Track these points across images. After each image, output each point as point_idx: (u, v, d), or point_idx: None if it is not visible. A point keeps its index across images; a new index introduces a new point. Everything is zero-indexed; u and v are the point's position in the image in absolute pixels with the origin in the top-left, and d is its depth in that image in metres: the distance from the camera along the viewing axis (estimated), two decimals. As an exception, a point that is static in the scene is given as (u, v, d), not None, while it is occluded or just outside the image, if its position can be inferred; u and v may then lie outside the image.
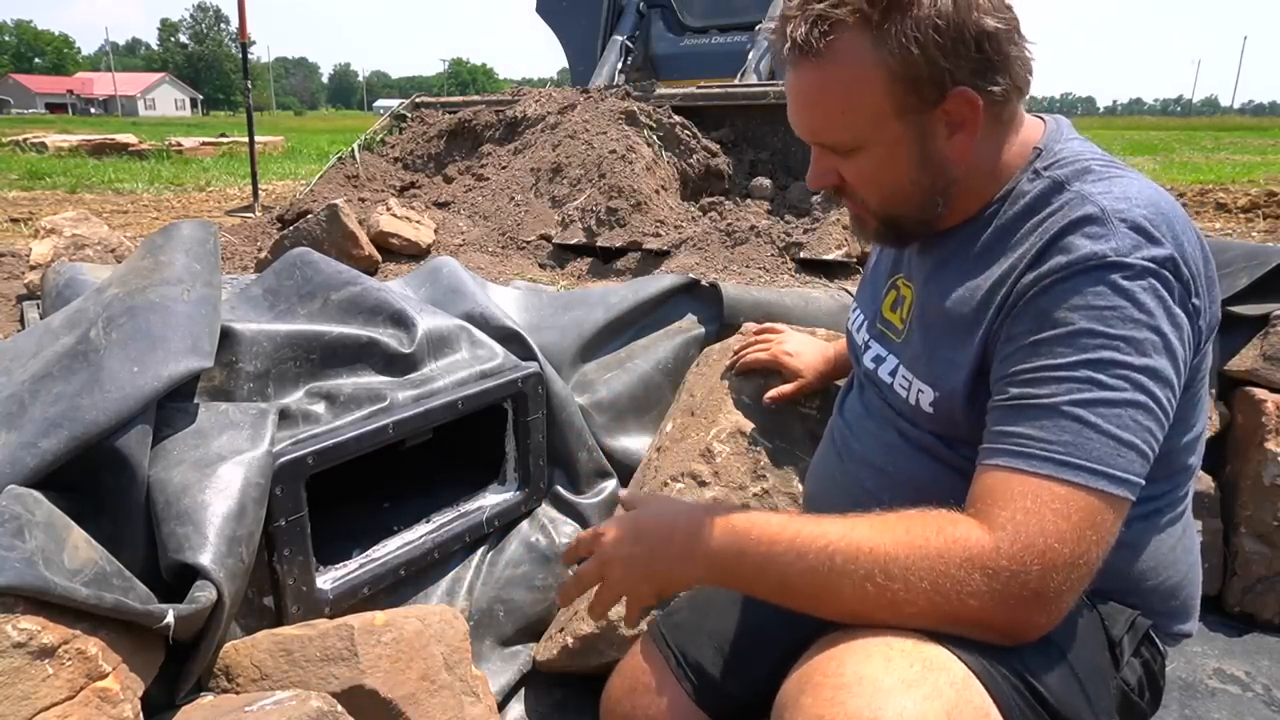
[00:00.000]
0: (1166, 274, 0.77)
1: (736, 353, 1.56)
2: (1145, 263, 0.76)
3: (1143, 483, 0.75)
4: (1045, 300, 0.78)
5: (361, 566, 1.37)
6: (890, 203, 0.92)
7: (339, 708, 0.97)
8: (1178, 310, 0.77)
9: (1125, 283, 0.75)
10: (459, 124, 4.82)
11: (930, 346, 0.92)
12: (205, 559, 0.99)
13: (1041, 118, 0.94)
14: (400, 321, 1.47)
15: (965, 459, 0.88)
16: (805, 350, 1.47)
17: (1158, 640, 0.92)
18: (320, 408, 1.30)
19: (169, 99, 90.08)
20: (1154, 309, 0.76)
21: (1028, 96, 0.89)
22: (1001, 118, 0.87)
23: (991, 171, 0.90)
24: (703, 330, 1.87)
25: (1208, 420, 0.93)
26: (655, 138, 4.09)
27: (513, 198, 4.06)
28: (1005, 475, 0.76)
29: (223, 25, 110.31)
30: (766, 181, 4.08)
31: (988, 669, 0.74)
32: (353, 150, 4.93)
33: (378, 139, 5.11)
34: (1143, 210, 0.79)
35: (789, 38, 0.85)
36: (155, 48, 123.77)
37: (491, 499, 1.59)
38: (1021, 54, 0.85)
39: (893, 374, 0.98)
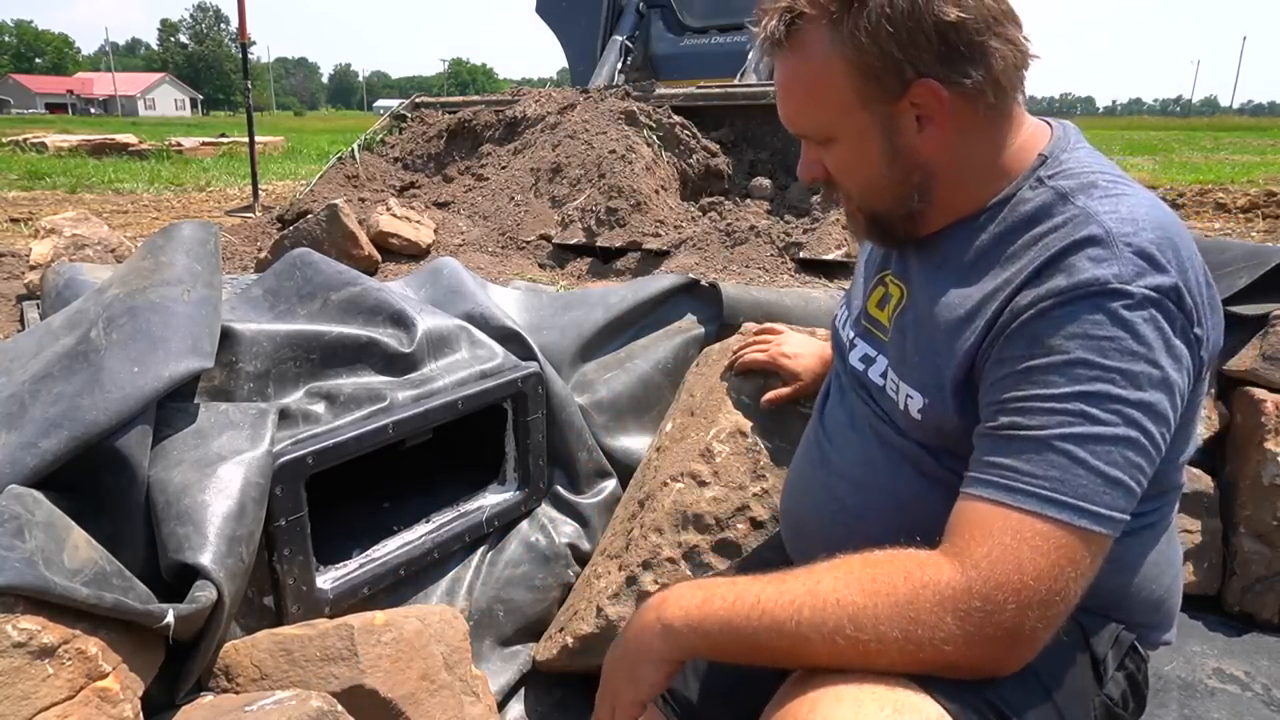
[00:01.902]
0: (1169, 304, 0.74)
1: (735, 353, 1.56)
2: (1148, 291, 0.73)
3: (1127, 519, 0.74)
4: (1042, 325, 0.76)
5: (361, 566, 1.37)
6: (867, 196, 0.91)
7: (339, 707, 0.97)
8: (1178, 342, 0.75)
9: (1126, 313, 0.73)
10: (459, 124, 4.83)
11: (920, 351, 0.89)
12: (205, 559, 1.00)
13: (1049, 123, 0.91)
14: (400, 321, 1.47)
15: (950, 471, 0.86)
16: (804, 351, 1.46)
17: (1140, 649, 0.91)
18: (320, 408, 1.30)
19: (169, 99, 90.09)
20: (1153, 341, 0.73)
21: (1020, 94, 0.86)
22: (979, 112, 0.83)
23: (986, 171, 0.87)
24: (702, 330, 1.87)
25: (1198, 441, 0.91)
26: (655, 138, 4.10)
27: (513, 198, 4.07)
28: (986, 509, 0.74)
29: (223, 25, 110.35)
30: (766, 181, 4.08)
31: (963, 708, 0.73)
32: (353, 150, 4.94)
33: (378, 139, 5.11)
34: (1149, 234, 0.76)
35: (763, 30, 0.86)
36: (155, 48, 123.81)
37: (491, 499, 1.59)
38: (1005, 47, 0.81)
39: (884, 376, 0.95)
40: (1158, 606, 0.92)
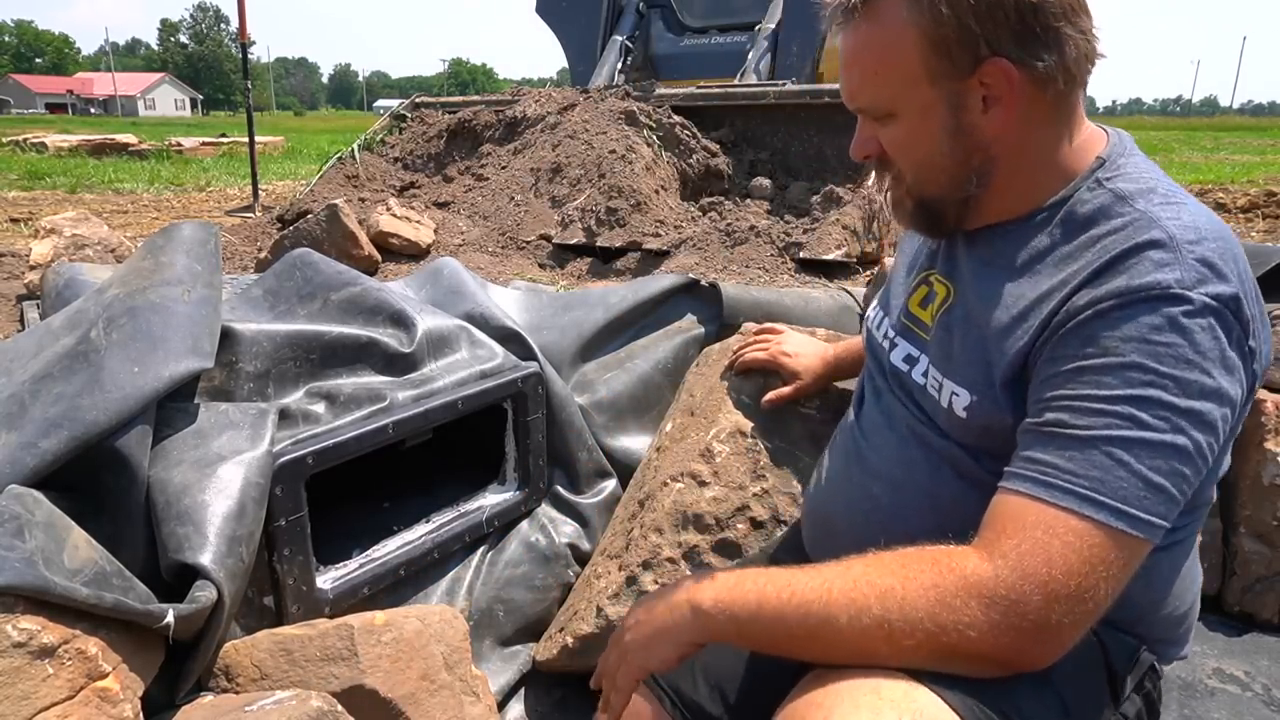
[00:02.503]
0: (1228, 314, 0.73)
1: (735, 353, 1.56)
2: (1208, 300, 0.72)
3: (1167, 526, 0.73)
4: (1099, 325, 0.75)
5: (361, 566, 1.37)
6: (923, 177, 0.89)
7: (339, 707, 0.97)
8: (1233, 354, 0.74)
9: (1185, 319, 0.72)
10: (459, 124, 4.83)
11: (967, 349, 0.87)
12: (205, 559, 1.00)
13: (1105, 130, 0.90)
14: (400, 321, 1.47)
15: (989, 473, 0.85)
16: (804, 351, 1.46)
17: (1157, 668, 0.91)
18: (320, 408, 1.30)
19: (169, 99, 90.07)
20: (1209, 351, 0.72)
21: (1085, 89, 0.85)
22: (1048, 99, 0.82)
23: (1045, 167, 0.85)
24: (702, 330, 1.87)
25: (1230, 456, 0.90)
26: (655, 138, 4.10)
27: (513, 198, 4.07)
28: (1023, 503, 0.74)
29: (223, 25, 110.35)
30: (766, 181, 4.08)
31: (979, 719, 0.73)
32: (353, 150, 4.94)
33: (378, 139, 5.11)
34: (1212, 243, 0.75)
35: None
36: (155, 48, 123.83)
37: (491, 499, 1.59)
38: (1079, 36, 0.80)
39: (925, 375, 0.93)
40: (1180, 622, 0.91)
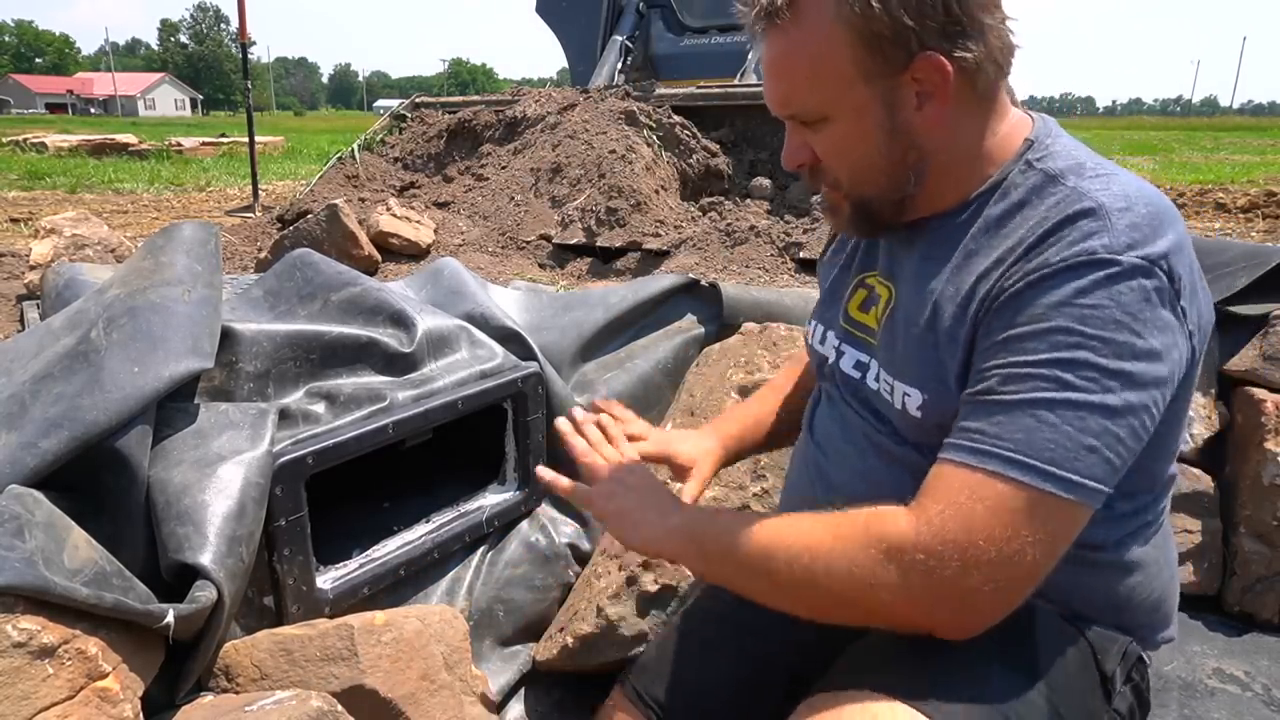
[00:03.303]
0: (1159, 273, 0.73)
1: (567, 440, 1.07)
2: (1137, 261, 0.72)
3: (1107, 490, 0.72)
4: (1028, 295, 0.75)
5: (361, 566, 1.37)
6: (860, 179, 0.87)
7: (339, 707, 0.97)
8: (1166, 313, 0.73)
9: (1111, 283, 0.72)
10: (459, 124, 4.83)
11: (915, 347, 0.86)
12: (205, 559, 1.00)
13: (1030, 114, 0.89)
14: (400, 321, 1.47)
15: None
16: (677, 436, 1.17)
17: (1145, 656, 0.91)
18: (320, 408, 1.30)
19: (169, 99, 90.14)
20: (1139, 311, 0.72)
21: (1009, 77, 0.85)
22: (977, 90, 0.82)
23: (974, 156, 0.85)
24: (702, 330, 1.87)
25: (1196, 440, 0.90)
26: (655, 138, 4.10)
27: (513, 198, 4.07)
28: (951, 469, 0.74)
29: (223, 25, 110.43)
30: (766, 181, 4.09)
31: None
32: (353, 150, 4.94)
33: (378, 139, 5.11)
34: (1143, 208, 0.75)
35: (756, 4, 0.82)
36: (155, 48, 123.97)
37: (491, 499, 1.59)
38: (998, 25, 0.80)
39: (877, 380, 0.93)
40: (1158, 606, 0.91)
